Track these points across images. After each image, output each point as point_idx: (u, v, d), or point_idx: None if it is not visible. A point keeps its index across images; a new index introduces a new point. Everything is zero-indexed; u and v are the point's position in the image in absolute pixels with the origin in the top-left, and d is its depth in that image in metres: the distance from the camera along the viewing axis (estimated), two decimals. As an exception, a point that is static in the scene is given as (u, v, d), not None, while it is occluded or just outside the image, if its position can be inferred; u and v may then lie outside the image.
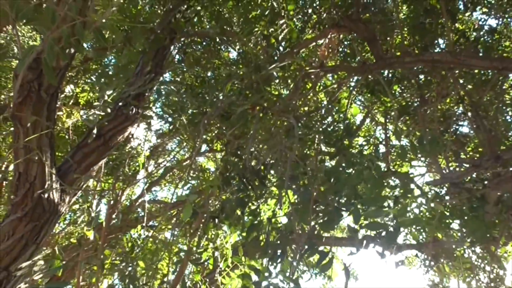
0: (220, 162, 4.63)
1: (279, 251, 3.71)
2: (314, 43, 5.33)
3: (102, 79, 4.91)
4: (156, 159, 8.76)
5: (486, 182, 5.53)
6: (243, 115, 4.16)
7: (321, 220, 3.82)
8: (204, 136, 5.75)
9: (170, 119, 5.62)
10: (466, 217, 6.09)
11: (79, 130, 7.16)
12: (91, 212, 6.04)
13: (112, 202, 6.84)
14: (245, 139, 4.51)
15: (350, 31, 4.90)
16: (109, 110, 4.63)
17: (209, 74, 5.80)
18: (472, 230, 5.92)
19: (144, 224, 6.91)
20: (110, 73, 5.50)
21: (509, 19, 6.14)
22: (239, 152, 4.34)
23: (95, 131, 4.54)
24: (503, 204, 5.44)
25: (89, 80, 7.44)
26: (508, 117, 6.20)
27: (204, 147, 8.40)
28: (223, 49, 6.13)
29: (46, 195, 4.46)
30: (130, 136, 5.44)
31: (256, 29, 4.61)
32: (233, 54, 6.75)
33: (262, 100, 4.16)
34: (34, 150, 4.29)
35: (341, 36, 5.51)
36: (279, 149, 4.16)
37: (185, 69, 5.51)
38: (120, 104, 4.77)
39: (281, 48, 4.96)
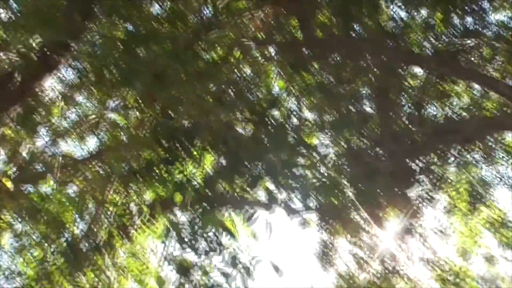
0: (149, 121, 4.68)
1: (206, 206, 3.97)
2: (249, 14, 5.48)
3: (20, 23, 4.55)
4: (64, 110, 8.30)
5: (382, 158, 6.37)
6: (177, 77, 4.24)
7: (245, 182, 4.15)
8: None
9: (91, 71, 5.42)
10: (361, 186, 6.96)
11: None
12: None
13: (16, 151, 6.44)
14: (175, 100, 4.58)
15: (284, 8, 5.14)
16: (34, 57, 4.34)
17: (138, 30, 5.64)
18: (364, 197, 6.79)
19: (52, 177, 6.63)
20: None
21: (415, 13, 6.87)
22: (169, 113, 4.42)
23: (17, 75, 4.25)
24: (394, 176, 6.33)
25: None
26: (404, 101, 7.07)
27: (117, 103, 8.15)
28: (153, 5, 5.97)
29: None
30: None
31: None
32: (156, 8, 6.57)
33: (197, 64, 4.26)
34: None
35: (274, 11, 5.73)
36: (209, 113, 4.34)
37: (114, 22, 5.29)
38: (45, 50, 4.49)
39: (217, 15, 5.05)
